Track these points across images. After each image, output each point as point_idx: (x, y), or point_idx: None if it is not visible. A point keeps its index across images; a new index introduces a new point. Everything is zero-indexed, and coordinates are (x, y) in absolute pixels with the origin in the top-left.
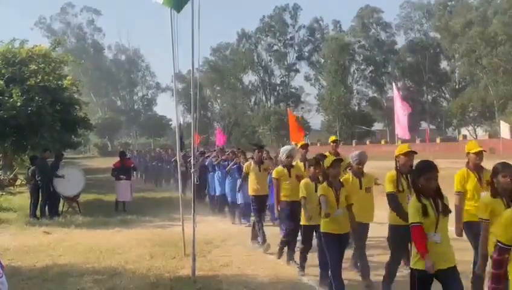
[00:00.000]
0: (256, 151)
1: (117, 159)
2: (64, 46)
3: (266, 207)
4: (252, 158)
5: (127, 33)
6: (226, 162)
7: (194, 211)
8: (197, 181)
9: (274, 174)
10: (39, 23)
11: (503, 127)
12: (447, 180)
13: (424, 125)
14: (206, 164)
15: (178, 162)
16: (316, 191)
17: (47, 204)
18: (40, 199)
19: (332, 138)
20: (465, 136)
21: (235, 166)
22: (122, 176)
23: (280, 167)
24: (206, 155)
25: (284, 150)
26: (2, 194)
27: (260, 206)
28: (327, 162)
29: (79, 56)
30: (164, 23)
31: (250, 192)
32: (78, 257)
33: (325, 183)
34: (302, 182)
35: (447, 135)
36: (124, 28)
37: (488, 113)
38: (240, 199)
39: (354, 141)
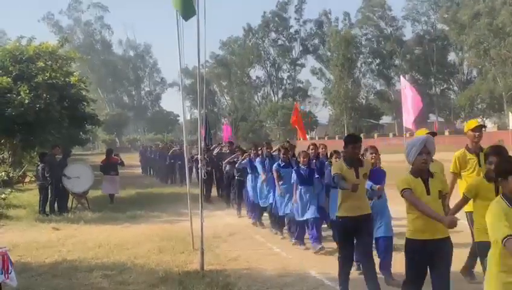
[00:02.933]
0: (350, 146)
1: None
2: (72, 43)
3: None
4: (336, 152)
5: (133, 29)
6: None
7: (201, 206)
8: (204, 176)
9: (401, 185)
10: (47, 19)
11: None
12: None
13: (432, 117)
14: (243, 162)
15: (186, 159)
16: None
17: (56, 200)
18: (49, 196)
19: (473, 122)
20: None
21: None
22: (112, 172)
23: (409, 176)
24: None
25: (412, 144)
26: (11, 191)
27: (356, 231)
28: None
29: (86, 53)
30: (171, 19)
31: (340, 212)
32: (87, 252)
33: None
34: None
35: (456, 127)
36: (130, 24)
37: (496, 105)
38: (299, 213)
39: (361, 135)
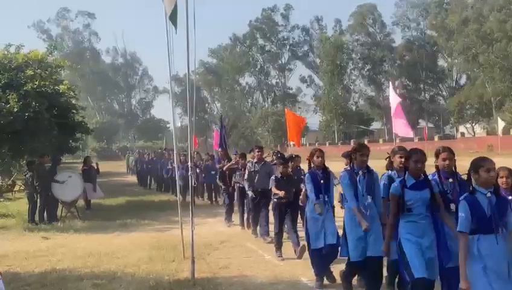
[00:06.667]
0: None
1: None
2: (62, 51)
3: None
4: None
5: (123, 36)
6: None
7: (192, 213)
8: (194, 183)
9: None
10: (36, 26)
11: (501, 124)
12: None
13: (422, 123)
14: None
15: (176, 165)
16: None
17: (45, 209)
18: (38, 205)
19: None
20: (463, 134)
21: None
22: (86, 179)
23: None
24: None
25: None
26: (0, 201)
27: None
28: None
29: (76, 61)
30: (160, 26)
31: None
32: (77, 261)
33: None
34: None
35: (445, 133)
36: (120, 31)
37: (485, 111)
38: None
39: (352, 141)
